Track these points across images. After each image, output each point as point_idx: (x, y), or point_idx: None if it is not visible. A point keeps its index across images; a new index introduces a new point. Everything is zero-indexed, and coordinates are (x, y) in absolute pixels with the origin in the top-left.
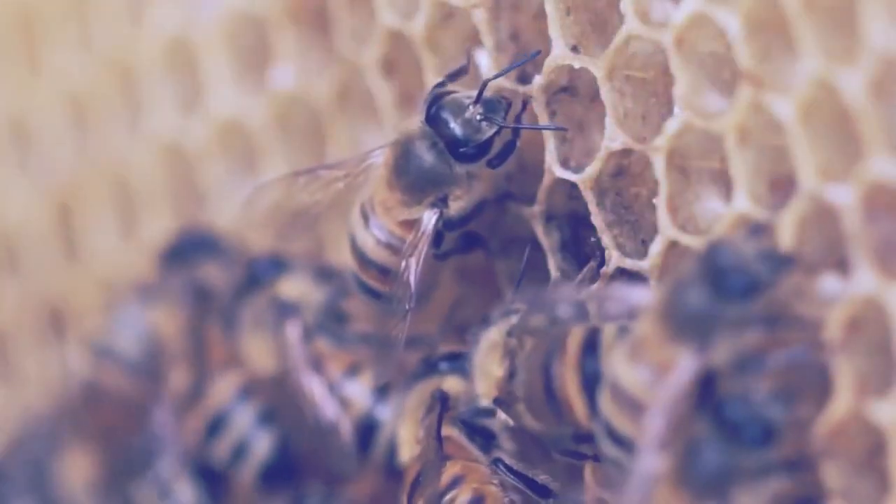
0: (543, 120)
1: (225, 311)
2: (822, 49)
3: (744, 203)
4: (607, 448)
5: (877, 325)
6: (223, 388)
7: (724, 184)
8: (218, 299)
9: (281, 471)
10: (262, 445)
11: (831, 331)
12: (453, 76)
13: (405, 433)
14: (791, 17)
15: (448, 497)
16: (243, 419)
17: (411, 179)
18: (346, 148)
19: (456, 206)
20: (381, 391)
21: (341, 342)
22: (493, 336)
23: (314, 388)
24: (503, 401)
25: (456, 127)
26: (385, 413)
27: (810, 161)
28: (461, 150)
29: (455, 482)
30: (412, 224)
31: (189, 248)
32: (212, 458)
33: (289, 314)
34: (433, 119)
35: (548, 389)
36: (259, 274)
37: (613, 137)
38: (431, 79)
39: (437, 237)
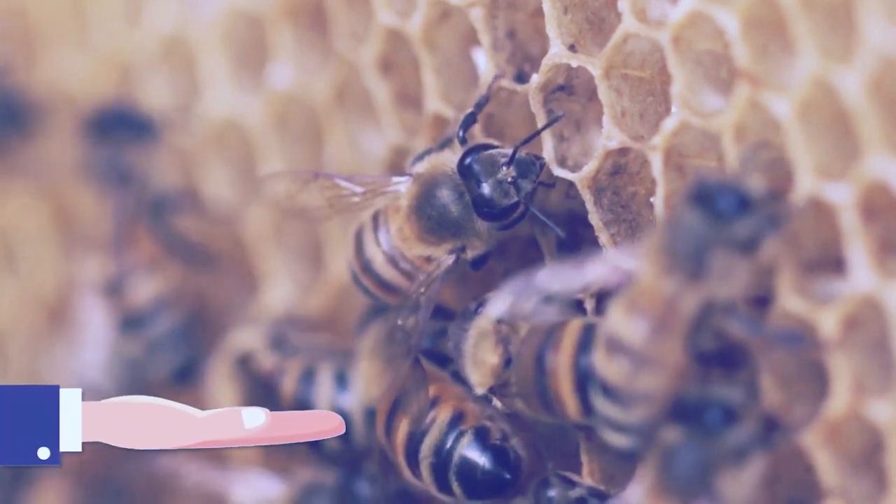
0: (541, 119)
1: (153, 206)
2: (820, 48)
3: None
4: (602, 406)
5: (875, 323)
6: (144, 290)
7: None
8: (144, 189)
9: (189, 373)
10: (172, 356)
11: (829, 329)
12: (480, 105)
13: (368, 371)
14: (789, 16)
15: (428, 418)
16: (159, 327)
17: (432, 224)
18: (345, 147)
19: (473, 254)
20: (340, 379)
21: (294, 354)
22: (482, 324)
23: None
24: (499, 390)
25: (486, 186)
26: (350, 400)
27: (808, 159)
28: (485, 209)
29: (433, 403)
30: (426, 257)
31: (114, 123)
32: (124, 350)
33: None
34: (465, 172)
35: (539, 382)
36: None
37: (611, 136)
38: (429, 77)
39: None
